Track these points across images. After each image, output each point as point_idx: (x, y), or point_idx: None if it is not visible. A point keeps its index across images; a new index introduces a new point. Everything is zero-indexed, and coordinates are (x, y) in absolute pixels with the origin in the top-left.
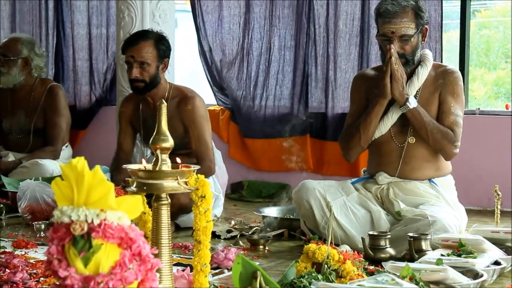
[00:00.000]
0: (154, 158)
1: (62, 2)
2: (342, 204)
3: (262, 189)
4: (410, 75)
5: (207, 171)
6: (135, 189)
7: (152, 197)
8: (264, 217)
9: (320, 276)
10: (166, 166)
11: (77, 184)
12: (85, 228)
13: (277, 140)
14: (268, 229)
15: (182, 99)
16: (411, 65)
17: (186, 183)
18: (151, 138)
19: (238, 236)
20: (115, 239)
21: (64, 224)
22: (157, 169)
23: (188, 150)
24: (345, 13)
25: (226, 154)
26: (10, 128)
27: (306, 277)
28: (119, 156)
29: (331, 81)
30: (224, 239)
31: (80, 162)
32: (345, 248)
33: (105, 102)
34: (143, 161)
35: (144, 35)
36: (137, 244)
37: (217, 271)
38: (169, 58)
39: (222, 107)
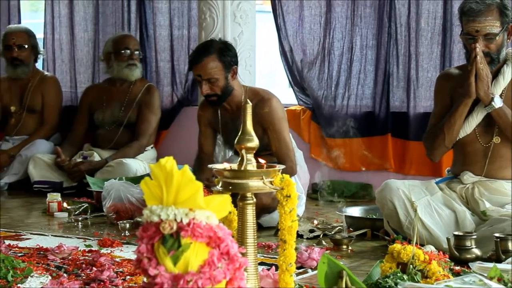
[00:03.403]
0: (239, 158)
1: (145, 4)
2: (427, 204)
3: (344, 189)
4: (495, 74)
5: (289, 172)
6: (220, 188)
7: (236, 196)
8: (346, 217)
9: (405, 277)
10: (251, 165)
11: (166, 184)
12: (174, 227)
13: (358, 140)
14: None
15: (259, 101)
16: (496, 64)
17: (271, 182)
18: (236, 138)
19: (321, 236)
20: (203, 238)
21: (154, 223)
22: (242, 168)
23: (268, 152)
24: (427, 12)
25: (307, 154)
26: (103, 120)
27: (391, 277)
28: (201, 157)
29: (413, 80)
30: (307, 238)
31: (169, 162)
32: (430, 248)
33: (187, 102)
34: (225, 163)
35: (206, 50)
36: (226, 243)
37: (300, 270)
38: (237, 64)
39: (303, 107)
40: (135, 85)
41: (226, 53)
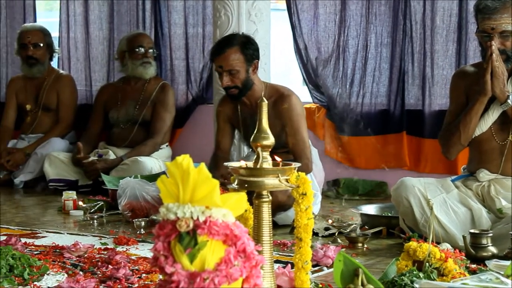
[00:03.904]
0: (255, 156)
1: (160, 2)
2: (442, 202)
3: (359, 187)
4: (511, 72)
5: (305, 169)
6: (236, 186)
7: (252, 194)
8: (361, 214)
9: (421, 274)
10: (267, 163)
11: (183, 182)
12: (191, 225)
13: (373, 138)
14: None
15: (279, 97)
16: None
17: (287, 180)
18: (252, 136)
19: (336, 234)
20: (220, 236)
21: (170, 221)
22: (258, 166)
23: (285, 149)
24: (442, 9)
25: (322, 151)
26: (117, 118)
27: (407, 275)
28: (217, 154)
29: (428, 78)
30: (322, 236)
31: (186, 159)
32: (446, 246)
33: (201, 100)
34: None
35: (228, 42)
36: (242, 241)
37: (316, 268)
38: (258, 59)
39: (317, 104)
40: (149, 83)
41: (249, 46)
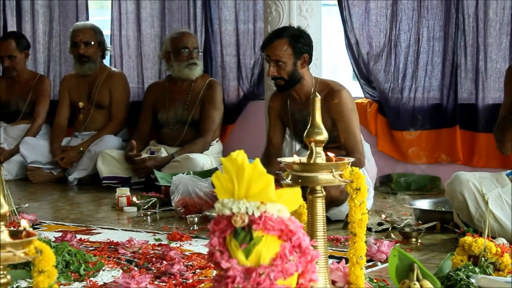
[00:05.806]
0: (308, 151)
1: None
2: (497, 196)
3: (412, 182)
4: None
5: (357, 164)
6: (290, 182)
7: (305, 190)
8: (415, 209)
9: (477, 269)
10: (321, 159)
11: (238, 177)
12: (246, 220)
13: (426, 132)
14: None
15: (329, 92)
16: None
17: (340, 175)
18: (306, 131)
19: (389, 229)
20: (275, 231)
21: (225, 217)
22: (311, 162)
23: (337, 144)
24: (495, 2)
25: (374, 147)
26: (167, 120)
27: (463, 270)
28: (269, 150)
29: (481, 71)
30: (376, 231)
31: (240, 155)
32: (502, 241)
33: (253, 96)
34: (295, 156)
35: (279, 33)
36: (297, 236)
37: (370, 263)
38: (308, 53)
39: (369, 99)
40: (196, 82)
41: (298, 40)
